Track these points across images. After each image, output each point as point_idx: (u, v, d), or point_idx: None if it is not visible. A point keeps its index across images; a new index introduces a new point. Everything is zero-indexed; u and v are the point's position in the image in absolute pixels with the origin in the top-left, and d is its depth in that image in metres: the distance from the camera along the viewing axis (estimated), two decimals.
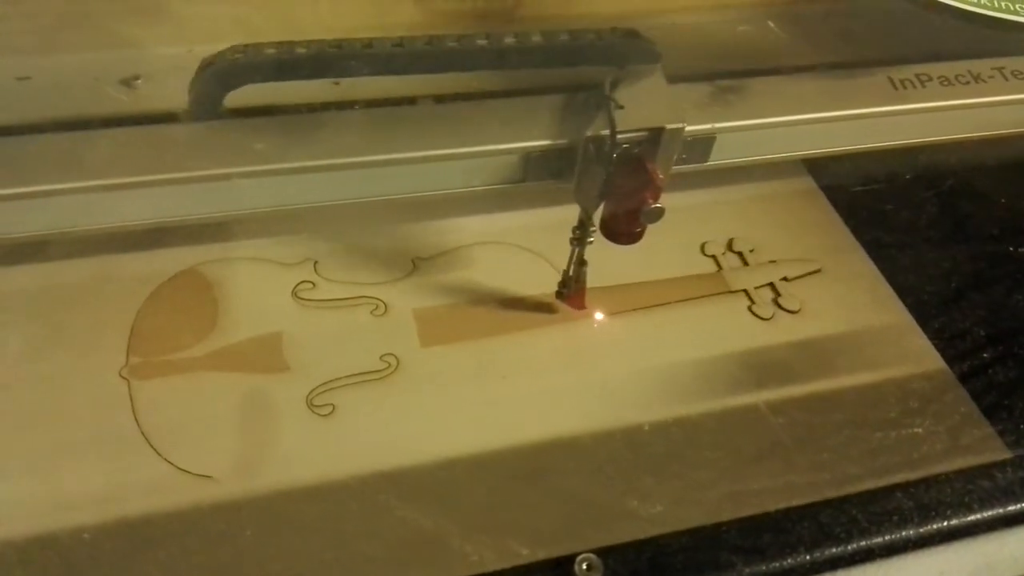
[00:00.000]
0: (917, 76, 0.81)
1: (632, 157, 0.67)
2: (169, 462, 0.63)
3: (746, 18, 0.85)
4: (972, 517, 0.64)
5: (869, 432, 0.68)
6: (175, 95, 0.68)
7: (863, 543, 0.62)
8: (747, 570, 0.60)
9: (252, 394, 0.68)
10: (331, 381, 0.69)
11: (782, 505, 0.63)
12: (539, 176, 0.72)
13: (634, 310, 0.76)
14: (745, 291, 0.78)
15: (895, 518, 0.63)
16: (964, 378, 0.73)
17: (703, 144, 0.75)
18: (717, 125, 0.74)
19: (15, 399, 0.66)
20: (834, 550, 0.62)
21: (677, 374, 0.72)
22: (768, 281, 0.79)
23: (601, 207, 0.67)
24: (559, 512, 0.62)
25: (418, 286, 0.75)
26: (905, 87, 0.80)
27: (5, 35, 0.71)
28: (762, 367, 0.73)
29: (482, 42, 0.68)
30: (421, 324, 0.73)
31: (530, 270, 0.78)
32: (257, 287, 0.74)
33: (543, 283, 0.76)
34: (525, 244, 0.79)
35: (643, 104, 0.68)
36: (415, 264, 0.77)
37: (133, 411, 0.66)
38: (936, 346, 0.75)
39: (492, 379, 0.70)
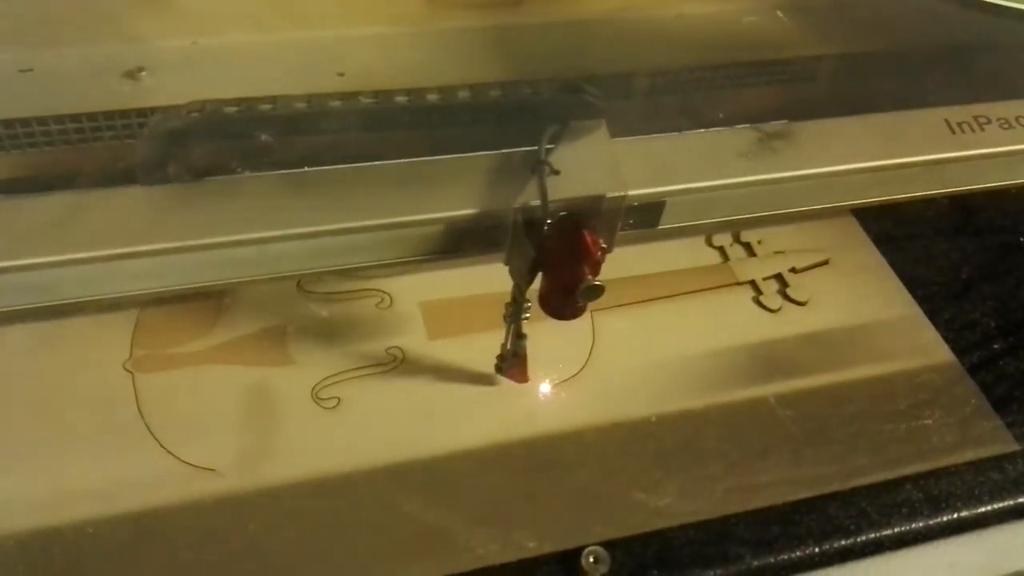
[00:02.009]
0: (975, 118, 0.76)
1: (568, 228, 0.59)
2: (173, 455, 0.63)
3: (754, 8, 0.84)
4: (982, 509, 0.64)
5: (878, 424, 0.68)
6: (179, 88, 0.67)
7: (872, 535, 0.62)
8: (755, 563, 0.60)
9: (257, 387, 0.68)
10: (337, 374, 0.69)
11: (790, 498, 0.63)
12: (468, 247, 0.63)
13: (639, 302, 0.76)
14: (752, 282, 0.78)
15: (905, 510, 0.63)
16: (973, 370, 0.72)
17: (652, 209, 0.66)
18: (665, 188, 0.65)
19: (19, 391, 0.66)
20: (843, 542, 0.61)
21: (684, 366, 0.71)
22: (776, 272, 0.79)
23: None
24: (566, 505, 0.62)
25: (425, 278, 0.75)
26: (963, 131, 0.74)
27: (7, 27, 0.70)
28: (770, 359, 0.72)
29: (401, 100, 0.61)
30: (428, 317, 0.73)
31: None
32: (260, 281, 0.74)
33: None
34: None
35: (583, 168, 0.61)
36: None
37: (137, 404, 0.66)
38: (945, 338, 0.74)
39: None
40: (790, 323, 0.75)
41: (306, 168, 0.61)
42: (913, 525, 0.63)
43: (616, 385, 0.70)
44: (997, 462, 0.66)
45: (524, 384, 0.70)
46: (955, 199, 0.86)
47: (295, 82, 0.66)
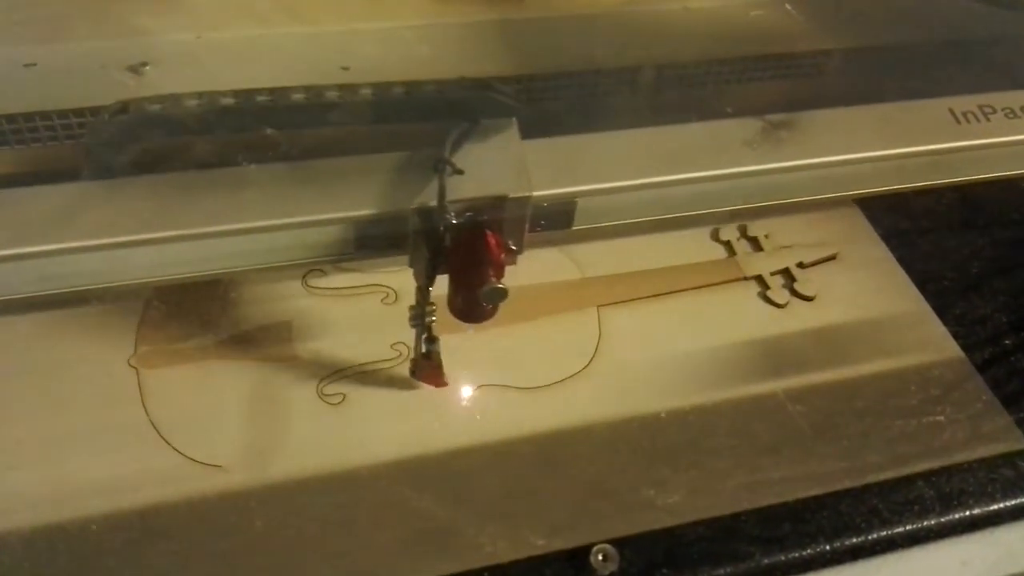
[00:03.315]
0: (980, 108, 0.76)
1: (471, 229, 0.58)
2: (178, 451, 0.63)
3: (761, 2, 0.84)
4: (995, 506, 0.64)
5: (889, 420, 0.68)
6: (183, 82, 0.67)
7: (884, 533, 0.61)
8: (765, 561, 0.59)
9: (261, 383, 0.67)
10: (341, 370, 0.68)
11: (801, 495, 0.63)
12: (371, 248, 0.61)
13: (645, 298, 0.75)
14: (759, 277, 0.77)
15: (916, 508, 0.63)
16: (984, 366, 0.72)
17: (565, 209, 0.64)
18: (575, 188, 0.63)
19: (23, 387, 0.65)
20: (854, 540, 0.61)
21: (691, 362, 0.71)
22: (783, 266, 0.78)
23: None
24: (575, 502, 0.62)
25: None
26: (968, 120, 0.75)
27: (11, 22, 0.70)
28: (778, 354, 0.72)
29: (298, 97, 0.59)
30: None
31: (544, 258, 0.77)
32: (266, 275, 0.73)
33: (558, 271, 0.76)
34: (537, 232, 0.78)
35: (488, 168, 0.59)
36: None
37: (142, 400, 0.65)
38: (955, 334, 0.74)
39: (507, 368, 0.70)
40: (798, 318, 0.75)
41: (199, 170, 0.60)
42: (925, 523, 0.62)
43: (623, 380, 0.69)
44: (1009, 459, 0.66)
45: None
46: (964, 194, 0.86)
47: (298, 77, 0.66)
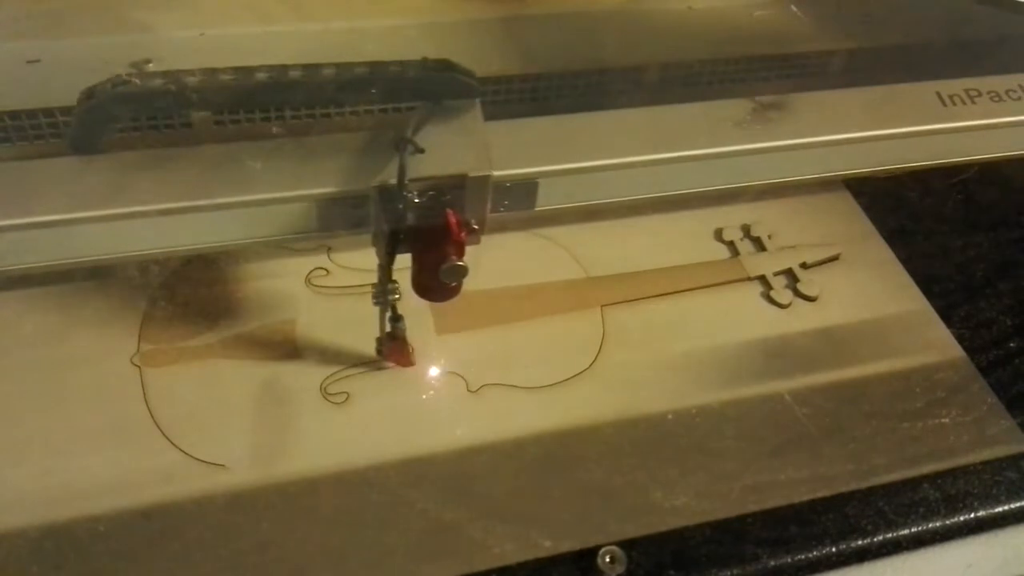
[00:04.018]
0: (966, 91, 0.77)
1: (432, 208, 0.59)
2: (181, 450, 0.63)
3: (766, 2, 0.84)
4: (999, 509, 0.64)
5: (895, 422, 0.68)
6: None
7: (890, 535, 0.62)
8: (772, 563, 0.59)
9: (265, 382, 0.67)
10: (345, 369, 0.68)
11: (807, 497, 0.63)
12: (334, 225, 0.62)
13: (649, 297, 0.75)
14: (762, 277, 0.77)
15: (922, 510, 0.63)
16: (988, 368, 0.72)
17: (527, 189, 0.64)
18: (538, 168, 0.63)
19: (26, 386, 0.65)
20: (860, 542, 0.61)
21: (697, 362, 0.71)
22: (786, 267, 0.78)
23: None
24: (582, 503, 0.62)
25: None
26: (955, 103, 0.75)
27: (15, 18, 0.70)
28: (782, 355, 0.72)
29: (262, 76, 0.59)
30: (436, 311, 0.72)
31: (547, 257, 0.77)
32: (270, 274, 0.73)
33: (562, 271, 0.76)
34: (542, 230, 0.78)
35: (449, 147, 0.60)
36: None
37: (145, 398, 0.65)
38: (960, 336, 0.74)
39: (511, 367, 0.69)
40: (801, 318, 0.75)
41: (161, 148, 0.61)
42: (930, 525, 0.62)
43: (627, 380, 0.69)
44: (1013, 462, 0.66)
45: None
46: (968, 195, 0.86)
47: None
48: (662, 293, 0.76)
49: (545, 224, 0.78)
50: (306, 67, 0.59)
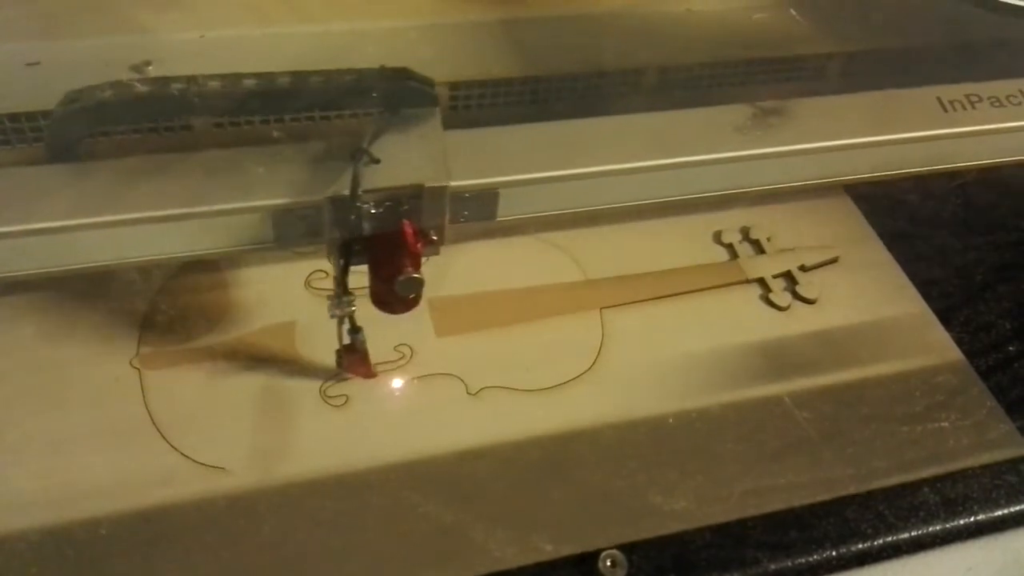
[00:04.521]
0: (967, 96, 0.77)
1: (389, 219, 0.58)
2: (181, 453, 0.63)
3: (765, 5, 0.84)
4: (999, 512, 0.64)
5: (894, 426, 0.68)
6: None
7: (890, 539, 0.62)
8: (773, 567, 0.60)
9: (265, 384, 0.67)
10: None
11: (807, 500, 0.63)
12: (290, 236, 0.62)
13: (648, 300, 0.75)
14: (761, 280, 0.77)
15: (922, 513, 0.63)
16: (988, 372, 0.72)
17: (488, 199, 0.64)
18: (496, 179, 0.63)
19: (26, 388, 0.65)
20: (861, 546, 0.61)
21: (696, 364, 0.71)
22: (786, 269, 0.78)
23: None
24: (582, 507, 0.62)
25: (433, 274, 0.74)
26: (955, 108, 0.75)
27: (15, 20, 0.70)
28: (781, 358, 0.72)
29: (214, 84, 0.59)
30: (436, 313, 0.72)
31: (546, 259, 0.77)
32: (269, 276, 0.73)
33: (560, 273, 0.76)
34: (541, 234, 0.78)
35: (407, 157, 0.59)
36: None
37: (144, 401, 0.65)
38: (960, 339, 0.74)
39: (510, 369, 0.69)
40: (800, 321, 0.75)
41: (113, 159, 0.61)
42: (930, 528, 0.62)
43: (627, 383, 0.69)
44: (1013, 465, 0.66)
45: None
46: (967, 198, 0.86)
47: None
48: (661, 296, 0.76)
49: (545, 227, 0.78)
50: (260, 76, 0.59)
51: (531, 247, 0.77)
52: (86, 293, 0.70)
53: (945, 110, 0.75)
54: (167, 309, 0.70)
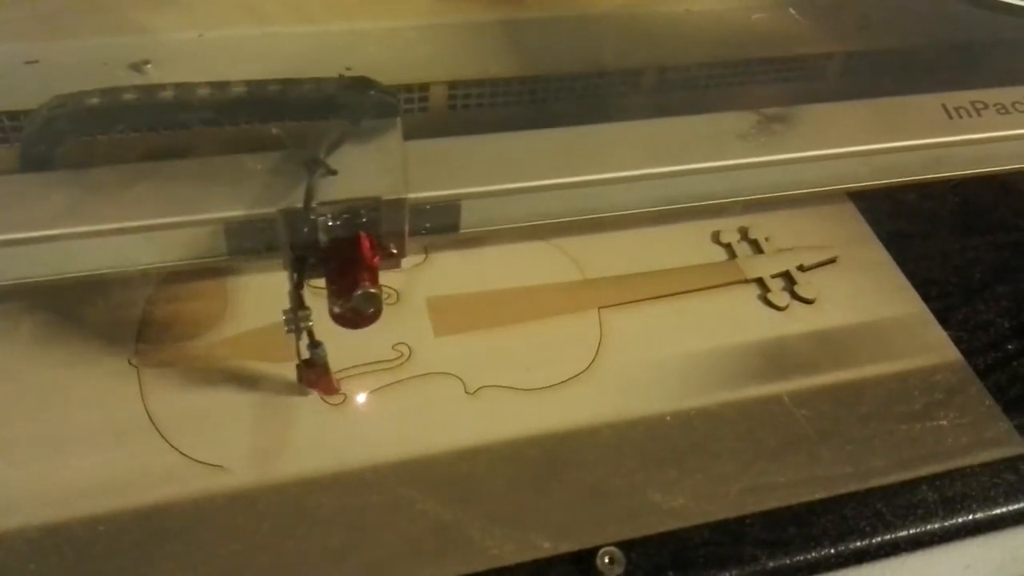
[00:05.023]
0: (972, 103, 0.76)
1: (346, 232, 0.57)
2: (179, 451, 0.63)
3: (764, 5, 0.84)
4: (997, 511, 0.64)
5: (893, 424, 0.68)
6: (185, 81, 0.66)
7: (888, 537, 0.62)
8: (771, 564, 0.60)
9: (263, 383, 0.67)
10: (343, 370, 0.68)
11: (806, 498, 0.63)
12: (244, 249, 0.61)
13: (646, 299, 0.75)
14: (760, 280, 0.77)
15: (920, 512, 0.63)
16: (987, 371, 0.72)
17: (450, 211, 0.63)
18: (457, 191, 0.62)
19: (24, 386, 0.65)
20: (859, 544, 0.61)
21: (694, 364, 0.71)
22: (784, 269, 0.78)
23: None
24: (580, 505, 0.62)
25: (432, 274, 0.74)
26: (961, 115, 0.75)
27: (13, 18, 0.69)
28: (780, 357, 0.72)
29: (166, 94, 0.58)
30: (435, 313, 0.72)
31: (544, 259, 0.77)
32: (268, 274, 0.73)
33: (559, 273, 0.76)
34: (540, 233, 0.78)
35: (365, 169, 0.58)
36: (428, 251, 0.76)
37: (143, 399, 0.65)
38: (958, 339, 0.74)
39: (508, 369, 0.69)
40: (798, 321, 0.75)
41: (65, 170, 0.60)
42: (928, 526, 0.62)
43: (625, 382, 0.69)
44: (1011, 464, 0.66)
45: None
46: (965, 197, 0.86)
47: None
48: (659, 295, 0.76)
49: (542, 225, 0.78)
50: (215, 84, 0.59)
51: (529, 247, 0.77)
52: (85, 292, 0.70)
53: (951, 117, 0.74)
54: (165, 307, 0.70)
